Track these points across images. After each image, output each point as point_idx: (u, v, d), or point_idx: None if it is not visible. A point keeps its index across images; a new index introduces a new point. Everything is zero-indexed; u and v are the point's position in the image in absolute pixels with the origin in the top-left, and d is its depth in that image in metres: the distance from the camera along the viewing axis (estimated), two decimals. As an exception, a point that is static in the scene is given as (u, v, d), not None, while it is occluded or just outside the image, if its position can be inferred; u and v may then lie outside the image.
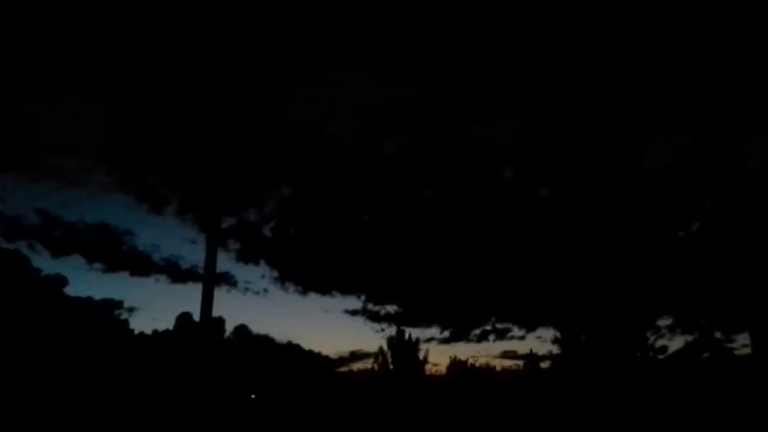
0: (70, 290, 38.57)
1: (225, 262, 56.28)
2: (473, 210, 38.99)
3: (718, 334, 33.30)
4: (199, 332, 29.04)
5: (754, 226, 31.06)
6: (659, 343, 31.09)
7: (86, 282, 65.86)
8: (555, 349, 34.54)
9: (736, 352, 32.01)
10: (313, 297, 52.06)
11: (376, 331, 58.56)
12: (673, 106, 35.39)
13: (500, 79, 34.70)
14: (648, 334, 31.15)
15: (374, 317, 47.72)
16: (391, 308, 46.60)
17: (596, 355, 30.47)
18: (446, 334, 48.41)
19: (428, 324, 46.38)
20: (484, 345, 61.33)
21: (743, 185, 33.33)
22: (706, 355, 32.96)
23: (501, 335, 48.75)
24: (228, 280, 47.62)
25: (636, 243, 32.63)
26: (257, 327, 46.83)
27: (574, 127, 34.16)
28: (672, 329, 37.07)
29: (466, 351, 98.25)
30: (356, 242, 41.10)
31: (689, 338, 34.73)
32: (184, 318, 39.42)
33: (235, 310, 77.76)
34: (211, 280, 29.55)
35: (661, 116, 34.87)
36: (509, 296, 39.92)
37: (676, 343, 44.07)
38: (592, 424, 24.79)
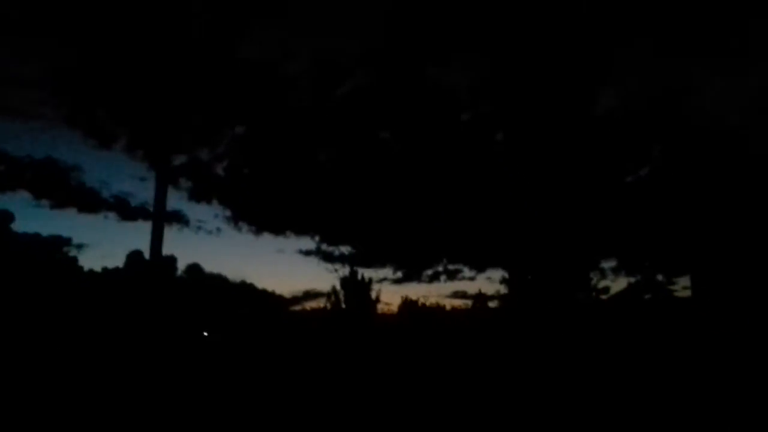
0: (17, 226, 37.78)
1: (177, 201, 55.46)
2: (427, 153, 39.06)
3: (660, 277, 34.67)
4: (149, 270, 28.88)
5: (698, 174, 31.89)
6: (603, 283, 32.10)
7: (33, 218, 65.25)
8: (503, 289, 35.41)
9: (676, 294, 33.47)
10: (266, 237, 52.31)
11: (330, 272, 59.46)
12: (630, 55, 35.69)
13: (458, 22, 34.35)
14: (592, 275, 32.14)
15: (328, 258, 48.18)
16: (345, 249, 47.09)
17: (541, 294, 31.35)
18: (399, 274, 49.45)
19: (381, 265, 47.19)
20: (435, 285, 63.24)
21: (692, 134, 34.05)
22: (647, 296, 34.31)
23: (452, 276, 50.01)
24: (180, 218, 46.61)
25: (582, 187, 33.22)
26: (210, 266, 46.97)
27: (526, 72, 34.12)
28: (615, 271, 38.49)
29: (418, 291, 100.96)
30: (311, 183, 40.91)
31: (632, 280, 36.13)
32: (134, 255, 38.99)
33: (187, 249, 78.37)
34: (161, 217, 29.25)
35: (616, 63, 35.09)
36: (461, 238, 40.51)
37: (619, 285, 45.83)
38: (535, 360, 25.65)
